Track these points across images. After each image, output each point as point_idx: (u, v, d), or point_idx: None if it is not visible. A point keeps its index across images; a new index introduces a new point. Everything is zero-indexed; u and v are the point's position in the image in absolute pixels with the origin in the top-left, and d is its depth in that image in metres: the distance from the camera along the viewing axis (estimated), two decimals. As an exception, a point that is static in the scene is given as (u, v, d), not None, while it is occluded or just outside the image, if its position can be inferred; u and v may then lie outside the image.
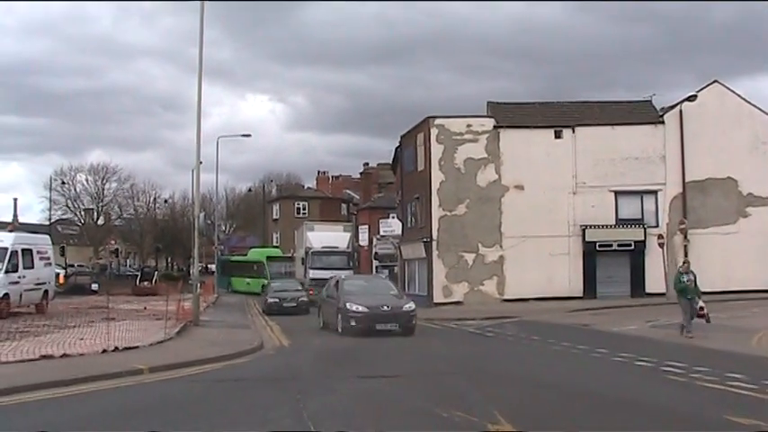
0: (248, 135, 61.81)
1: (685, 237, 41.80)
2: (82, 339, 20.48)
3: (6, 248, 28.49)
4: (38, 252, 31.08)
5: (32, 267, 30.05)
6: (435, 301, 40.96)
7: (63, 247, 56.34)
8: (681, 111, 42.63)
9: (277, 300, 38.54)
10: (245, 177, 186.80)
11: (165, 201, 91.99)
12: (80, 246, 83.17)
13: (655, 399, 12.34)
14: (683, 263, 24.20)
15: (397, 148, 52.64)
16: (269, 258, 60.02)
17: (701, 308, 22.08)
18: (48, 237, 36.08)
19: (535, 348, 21.30)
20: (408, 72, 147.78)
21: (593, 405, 12.00)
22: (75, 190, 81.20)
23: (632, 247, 42.06)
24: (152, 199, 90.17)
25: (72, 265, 69.46)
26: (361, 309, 24.39)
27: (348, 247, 49.25)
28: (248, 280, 61.24)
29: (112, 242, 77.32)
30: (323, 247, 47.48)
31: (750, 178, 42.57)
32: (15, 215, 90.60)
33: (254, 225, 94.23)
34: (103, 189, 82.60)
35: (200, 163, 30.38)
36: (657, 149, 42.64)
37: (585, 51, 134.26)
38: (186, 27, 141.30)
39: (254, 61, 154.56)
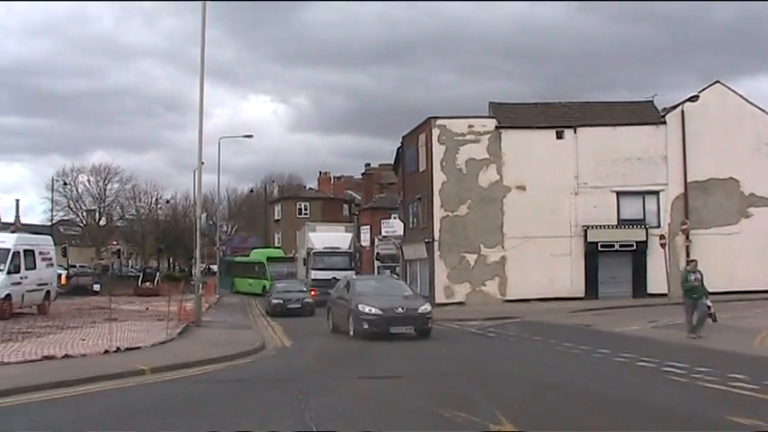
0: (250, 136, 61.95)
1: (687, 237, 41.76)
2: (84, 340, 20.51)
3: (8, 249, 28.49)
4: (40, 253, 31.09)
5: (34, 268, 30.05)
6: (437, 301, 40.90)
7: (65, 247, 56.34)
8: (682, 111, 42.61)
9: (281, 301, 37.35)
10: (246, 178, 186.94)
11: (167, 201, 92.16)
12: (82, 246, 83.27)
13: (656, 399, 12.34)
14: (691, 261, 23.85)
15: (398, 149, 52.64)
16: (269, 259, 59.98)
17: (709, 307, 21.78)
18: (50, 237, 36.10)
19: (537, 349, 21.29)
20: (410, 72, 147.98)
21: (594, 405, 12.00)
22: (77, 191, 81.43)
23: (634, 248, 42.03)
24: (154, 200, 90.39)
25: (74, 266, 69.43)
26: (374, 311, 23.22)
27: (350, 248, 49.28)
28: (250, 281, 61.28)
29: (114, 243, 77.38)
30: (325, 248, 47.50)
31: (752, 178, 42.53)
32: (17, 216, 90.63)
33: (255, 226, 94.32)
34: (105, 190, 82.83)
35: (202, 164, 30.43)
36: (659, 150, 42.61)
37: (587, 52, 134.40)
38: (188, 27, 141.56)
39: (256, 62, 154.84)
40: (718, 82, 43.93)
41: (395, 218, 57.28)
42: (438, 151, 43.07)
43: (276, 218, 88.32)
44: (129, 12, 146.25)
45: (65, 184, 79.32)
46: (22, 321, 25.70)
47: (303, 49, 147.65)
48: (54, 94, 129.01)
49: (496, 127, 43.11)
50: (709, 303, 21.81)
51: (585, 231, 42.09)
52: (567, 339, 22.23)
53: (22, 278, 28.78)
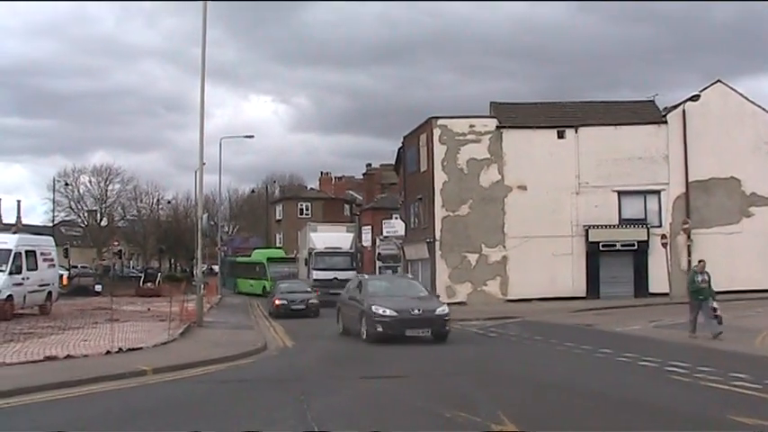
0: (251, 136, 62.01)
1: (689, 237, 41.79)
2: (86, 341, 20.51)
3: (10, 250, 28.50)
4: (41, 254, 31.10)
5: (36, 269, 30.07)
6: (439, 301, 40.98)
7: (66, 248, 56.32)
8: (684, 110, 42.64)
9: (285, 302, 35.72)
10: (248, 178, 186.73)
11: (169, 202, 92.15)
12: (83, 247, 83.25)
13: (658, 399, 12.33)
14: (699, 262, 23.39)
15: (399, 149, 52.69)
16: (269, 260, 59.90)
17: (715, 309, 21.58)
18: (51, 238, 36.14)
19: (538, 349, 21.30)
20: (411, 72, 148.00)
21: (596, 405, 12.00)
22: (78, 191, 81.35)
23: (635, 247, 42.05)
24: (155, 200, 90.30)
25: (75, 267, 69.52)
26: (388, 312, 21.93)
27: (351, 248, 49.24)
28: (251, 281, 61.26)
29: (116, 243, 77.29)
30: (326, 248, 47.46)
31: (753, 178, 42.56)
32: (19, 217, 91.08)
33: (257, 226, 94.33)
34: (107, 190, 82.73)
35: (204, 164, 30.44)
36: (660, 149, 42.63)
37: (588, 51, 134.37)
38: (189, 28, 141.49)
39: (257, 62, 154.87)
40: (719, 81, 43.95)
41: (396, 218, 57.27)
42: (439, 151, 43.11)
43: (277, 218, 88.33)
44: (130, 12, 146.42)
45: (66, 184, 79.31)
46: (24, 322, 25.69)
47: (304, 49, 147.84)
48: (55, 94, 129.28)
49: (497, 127, 43.14)
50: (716, 305, 21.60)
51: (587, 231, 42.11)
52: (568, 339, 22.23)
53: (23, 279, 28.79)
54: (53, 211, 76.82)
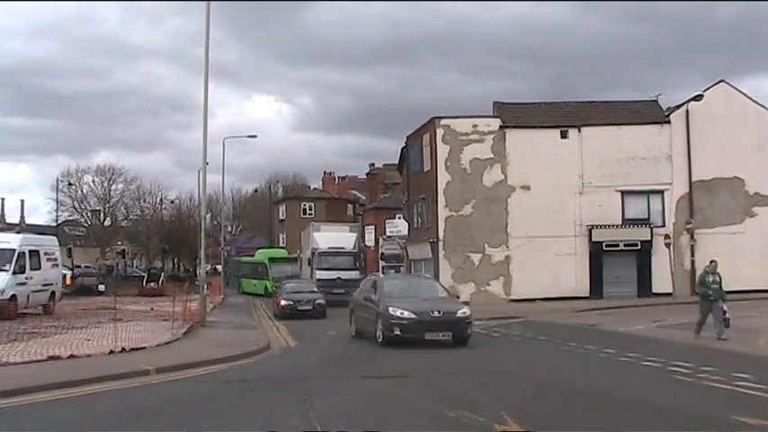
0: (254, 136, 61.90)
1: (692, 236, 41.77)
2: (89, 340, 20.53)
3: (14, 250, 28.57)
4: (45, 253, 31.15)
5: (39, 269, 30.12)
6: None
7: (70, 248, 56.49)
8: (687, 110, 42.60)
9: (291, 302, 34.64)
10: (251, 178, 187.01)
11: (172, 202, 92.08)
12: (87, 247, 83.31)
13: (661, 399, 12.33)
14: (711, 262, 22.73)
15: (403, 149, 52.69)
16: (271, 260, 59.89)
17: (724, 311, 21.31)
18: (55, 238, 36.16)
19: (542, 348, 21.29)
20: (414, 72, 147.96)
21: (599, 405, 12.00)
22: (81, 191, 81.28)
23: (639, 247, 42.01)
24: (158, 200, 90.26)
25: (79, 267, 69.60)
26: (407, 314, 20.69)
27: (354, 248, 49.21)
28: (254, 281, 61.34)
29: (119, 243, 77.36)
30: (329, 248, 47.41)
31: (757, 177, 42.52)
32: (22, 216, 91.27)
33: (260, 226, 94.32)
34: (110, 190, 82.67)
35: (207, 164, 30.47)
36: (664, 149, 42.60)
37: (591, 51, 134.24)
38: (192, 28, 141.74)
39: (260, 62, 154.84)
40: (722, 81, 43.92)
41: (399, 218, 57.28)
42: (442, 151, 43.12)
43: (280, 218, 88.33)
44: (133, 12, 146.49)
45: (69, 184, 79.30)
46: (28, 322, 25.74)
47: (307, 49, 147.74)
48: (59, 94, 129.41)
49: (501, 127, 43.13)
50: (725, 308, 21.37)
51: (590, 231, 42.10)
52: (571, 339, 22.23)
53: (27, 278, 28.85)
54: (56, 210, 76.97)
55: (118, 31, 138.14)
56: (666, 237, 40.29)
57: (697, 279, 22.97)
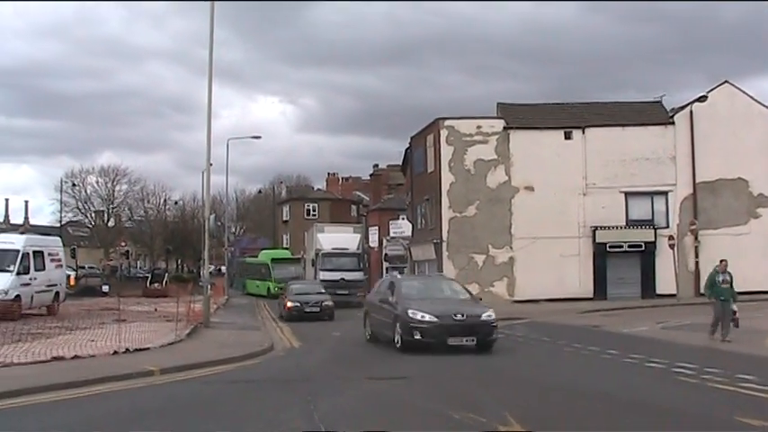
0: (258, 137, 61.77)
1: (696, 238, 41.74)
2: (93, 341, 20.55)
3: (18, 250, 28.60)
4: (49, 254, 31.18)
5: (43, 269, 30.14)
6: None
7: (74, 248, 56.41)
8: (691, 111, 42.59)
9: (298, 304, 33.68)
10: (255, 179, 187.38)
11: (176, 202, 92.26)
12: (91, 247, 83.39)
13: (665, 400, 12.32)
14: (720, 262, 22.28)
15: (406, 150, 52.69)
16: (273, 260, 59.89)
17: (734, 311, 21.10)
18: (59, 239, 36.22)
19: (546, 350, 21.27)
20: (417, 73, 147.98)
21: (603, 406, 12.00)
22: (85, 192, 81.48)
23: (643, 249, 41.99)
24: (162, 201, 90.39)
25: (83, 267, 69.58)
26: (428, 317, 19.32)
27: (358, 249, 49.21)
28: (258, 282, 61.39)
29: (123, 244, 77.55)
30: (333, 249, 47.41)
31: (761, 178, 42.47)
32: (26, 217, 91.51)
33: (264, 227, 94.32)
34: (114, 191, 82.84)
35: (211, 165, 30.42)
36: (668, 150, 42.58)
37: (595, 52, 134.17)
38: (196, 29, 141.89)
39: (264, 62, 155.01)
40: (726, 82, 43.88)
41: (403, 219, 57.20)
42: (446, 152, 43.14)
43: (284, 219, 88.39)
44: (136, 13, 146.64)
45: (73, 185, 79.47)
46: (32, 322, 25.73)
47: (311, 49, 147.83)
48: (62, 95, 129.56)
49: (504, 128, 43.15)
50: (735, 308, 21.16)
51: (594, 232, 42.09)
52: (575, 340, 22.20)
53: (31, 279, 28.87)
54: (60, 211, 76.99)
55: (121, 32, 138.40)
56: (670, 238, 40.25)
57: (706, 280, 22.49)
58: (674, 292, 39.05)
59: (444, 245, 42.73)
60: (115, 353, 17.92)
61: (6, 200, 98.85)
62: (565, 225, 41.92)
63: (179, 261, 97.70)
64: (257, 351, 20.02)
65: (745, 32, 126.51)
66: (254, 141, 68.27)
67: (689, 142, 42.35)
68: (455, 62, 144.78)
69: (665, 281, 40.46)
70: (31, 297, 28.96)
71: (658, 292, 41.12)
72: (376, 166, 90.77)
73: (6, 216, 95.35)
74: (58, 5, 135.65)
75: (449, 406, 11.47)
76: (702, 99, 41.78)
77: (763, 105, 43.36)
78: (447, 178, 43.03)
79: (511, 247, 42.45)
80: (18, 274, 27.98)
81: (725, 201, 42.45)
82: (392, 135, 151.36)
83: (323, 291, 36.47)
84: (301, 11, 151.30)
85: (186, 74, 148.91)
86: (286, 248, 75.08)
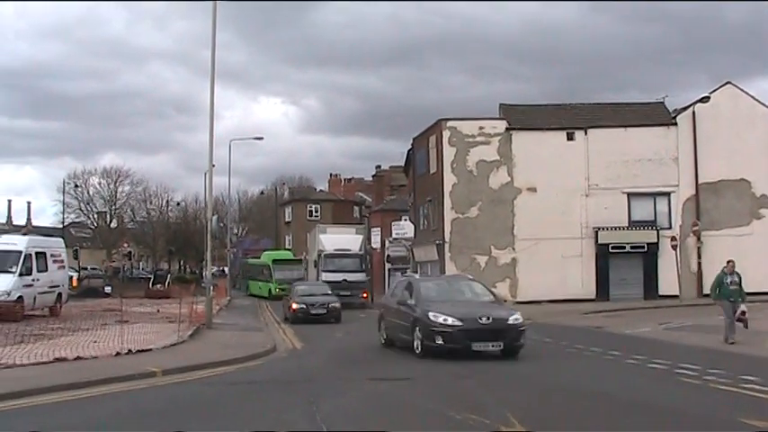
0: (261, 138, 61.90)
1: (698, 239, 41.71)
2: (95, 342, 20.56)
3: (20, 251, 28.64)
4: (51, 255, 31.20)
5: (46, 270, 30.16)
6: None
7: (76, 250, 56.43)
8: (693, 112, 42.57)
9: (304, 306, 32.62)
10: (257, 180, 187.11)
11: (178, 204, 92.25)
12: (93, 249, 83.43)
13: (668, 401, 12.30)
14: (728, 262, 21.86)
15: (409, 151, 52.72)
16: (274, 262, 59.89)
17: (743, 312, 20.86)
18: (61, 240, 36.25)
19: (548, 351, 21.23)
20: (420, 74, 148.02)
21: (605, 407, 11.99)
22: (88, 193, 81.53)
23: (645, 249, 42.00)
24: (165, 202, 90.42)
25: (85, 268, 69.72)
26: (450, 321, 17.98)
27: (361, 250, 49.16)
28: (260, 284, 61.45)
29: (125, 245, 77.45)
30: (335, 250, 47.37)
31: (763, 179, 42.44)
32: (29, 218, 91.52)
33: (266, 228, 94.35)
34: (116, 192, 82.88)
35: (213, 166, 30.46)
36: (670, 151, 42.57)
37: (598, 52, 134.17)
38: (198, 30, 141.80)
39: (267, 64, 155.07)
40: (729, 83, 43.89)
41: (405, 220, 57.19)
42: (448, 153, 43.16)
43: (287, 220, 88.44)
44: (139, 14, 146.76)
45: (76, 186, 79.51)
46: (34, 323, 25.76)
47: (313, 50, 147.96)
48: (65, 96, 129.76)
49: (507, 129, 43.17)
50: (744, 308, 20.94)
51: (596, 233, 42.09)
52: (578, 341, 22.18)
53: (33, 280, 28.90)
54: (63, 212, 77.11)
55: (124, 33, 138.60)
56: (673, 239, 40.20)
57: (714, 281, 21.95)
58: (677, 293, 39.03)
59: (447, 246, 42.74)
60: (118, 354, 17.92)
61: (9, 201, 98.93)
62: (567, 226, 41.93)
63: (181, 262, 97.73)
64: (260, 352, 20.01)
65: (749, 33, 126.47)
66: (257, 142, 68.54)
67: (691, 143, 42.34)
68: (457, 63, 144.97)
69: (668, 282, 40.42)
70: (34, 298, 28.99)
71: (661, 293, 41.12)
72: (378, 167, 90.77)
73: (9, 217, 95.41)
74: (61, 6, 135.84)
75: (451, 407, 11.46)
76: (705, 100, 41.75)
77: (766, 106, 43.35)
78: (449, 179, 43.04)
79: (513, 248, 42.47)
80: (21, 275, 28.01)
81: (727, 202, 42.42)
82: (394, 136, 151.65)
83: (329, 292, 35.46)
84: (304, 12, 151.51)
85: (189, 75, 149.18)
86: (288, 249, 75.09)
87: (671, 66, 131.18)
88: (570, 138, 42.96)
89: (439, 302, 19.23)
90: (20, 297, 27.59)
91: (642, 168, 42.41)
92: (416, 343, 18.81)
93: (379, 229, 64.33)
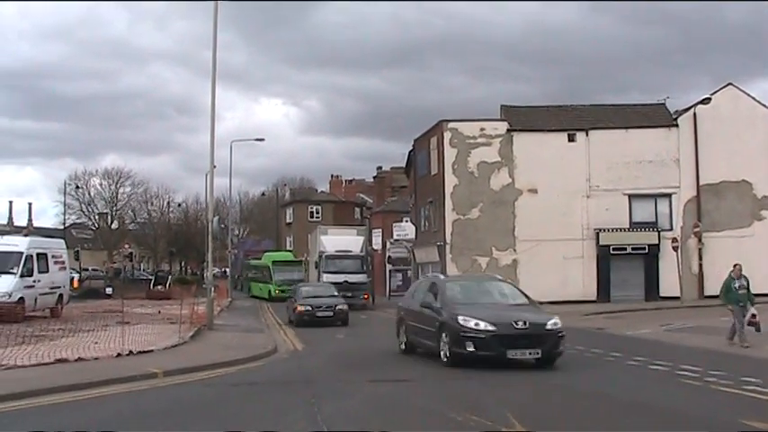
0: (262, 139, 62.18)
1: (700, 240, 41.69)
2: (96, 343, 20.57)
3: (21, 253, 28.64)
4: (52, 256, 31.20)
5: (47, 271, 30.16)
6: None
7: (77, 251, 56.46)
8: (695, 113, 42.55)
9: (309, 308, 31.46)
10: (258, 181, 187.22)
11: (179, 205, 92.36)
12: (94, 250, 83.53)
13: (669, 402, 12.30)
14: (734, 266, 21.69)
15: (410, 152, 52.73)
16: (274, 263, 59.89)
17: (754, 315, 20.72)
18: (62, 241, 36.25)
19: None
20: (421, 75, 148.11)
21: (606, 408, 12.00)
22: (89, 194, 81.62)
23: (646, 251, 42.00)
24: (166, 203, 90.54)
25: (86, 270, 69.70)
26: (482, 326, 16.39)
27: (362, 251, 49.15)
28: (260, 285, 61.47)
29: (126, 246, 77.50)
30: (336, 251, 47.35)
31: (764, 181, 42.43)
32: (30, 219, 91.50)
33: (267, 229, 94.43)
34: (117, 193, 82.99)
35: (214, 167, 30.48)
36: (671, 152, 42.56)
37: (599, 54, 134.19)
38: (200, 30, 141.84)
39: (268, 65, 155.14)
40: (730, 84, 43.87)
41: (406, 221, 57.22)
42: (450, 154, 43.16)
43: (288, 221, 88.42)
44: (140, 15, 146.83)
45: (77, 187, 79.53)
46: (35, 324, 25.73)
47: (315, 51, 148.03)
48: (66, 97, 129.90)
49: (508, 130, 43.17)
50: (755, 311, 20.82)
51: (597, 234, 42.08)
52: (578, 343, 22.10)
53: (34, 281, 28.89)
54: (64, 213, 77.15)
55: (125, 34, 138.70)
56: (674, 240, 40.16)
57: (722, 285, 21.74)
58: (678, 294, 39.00)
59: (448, 247, 42.73)
60: (119, 355, 17.92)
61: (10, 202, 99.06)
62: (568, 227, 41.92)
63: (182, 263, 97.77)
64: (261, 353, 20.01)
65: (750, 34, 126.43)
66: (258, 143, 68.66)
67: (692, 144, 42.34)
68: (459, 64, 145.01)
69: (669, 283, 40.39)
70: (35, 299, 28.98)
71: (662, 294, 41.10)
72: (379, 168, 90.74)
73: (10, 218, 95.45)
74: (62, 7, 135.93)
75: (451, 408, 11.46)
76: (706, 101, 41.74)
77: (767, 107, 43.29)
78: (450, 180, 43.04)
79: (514, 250, 42.47)
80: (22, 276, 28.01)
81: (728, 203, 42.41)
82: (396, 137, 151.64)
83: (335, 293, 34.23)
84: (305, 12, 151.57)
85: (190, 76, 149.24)
86: (289, 251, 75.08)
87: (672, 67, 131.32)
88: (571, 139, 42.96)
89: (468, 305, 17.59)
90: (21, 298, 27.58)
91: (643, 170, 42.40)
92: (444, 350, 17.11)
93: (380, 230, 64.39)
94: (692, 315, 30.83)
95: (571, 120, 44.20)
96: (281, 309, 38.75)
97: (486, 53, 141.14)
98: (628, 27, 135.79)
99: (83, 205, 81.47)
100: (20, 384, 13.30)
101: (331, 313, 31.54)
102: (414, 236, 52.76)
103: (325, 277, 45.24)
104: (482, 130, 43.38)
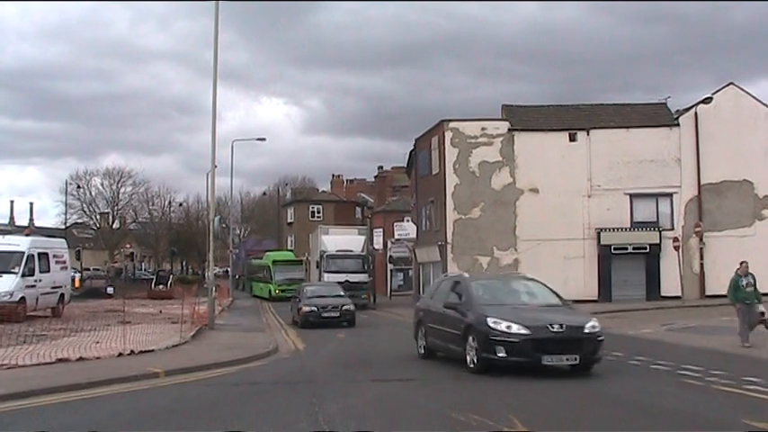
0: (263, 139, 61.97)
1: (701, 240, 41.65)
2: (98, 343, 20.58)
3: (23, 252, 28.68)
4: (54, 256, 31.22)
5: (48, 271, 30.19)
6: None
7: (79, 250, 56.61)
8: (696, 113, 42.52)
9: (314, 308, 30.56)
10: (260, 181, 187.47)
11: (180, 204, 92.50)
12: (96, 249, 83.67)
13: (670, 402, 12.27)
14: (741, 264, 21.43)
15: (411, 152, 52.69)
16: (275, 262, 59.91)
17: (762, 313, 20.58)
18: (63, 240, 36.25)
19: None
20: (423, 75, 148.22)
21: (608, 408, 11.99)
22: (90, 194, 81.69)
23: (647, 250, 41.97)
24: (167, 203, 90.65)
25: (88, 269, 69.87)
26: (515, 329, 15.02)
27: (363, 251, 49.19)
28: (261, 285, 61.50)
29: (128, 246, 77.69)
30: (338, 251, 47.38)
31: (766, 181, 42.38)
32: (31, 219, 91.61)
33: (269, 229, 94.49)
34: (119, 193, 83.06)
35: (216, 167, 30.48)
36: (673, 152, 42.53)
37: (601, 53, 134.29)
38: (201, 30, 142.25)
39: (270, 64, 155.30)
40: (731, 84, 43.83)
41: (408, 221, 57.25)
42: (451, 154, 43.13)
43: (289, 221, 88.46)
44: (142, 15, 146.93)
45: (78, 187, 79.69)
46: (37, 324, 25.74)
47: (316, 51, 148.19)
48: (68, 97, 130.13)
49: (509, 129, 43.14)
50: (763, 309, 20.68)
51: (599, 234, 42.05)
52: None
53: (36, 281, 28.93)
54: (65, 213, 77.25)
55: (126, 34, 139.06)
56: (675, 240, 40.12)
57: (729, 284, 21.44)
58: (679, 294, 38.94)
59: (449, 247, 42.70)
60: (120, 355, 17.93)
61: (11, 202, 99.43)
62: (569, 227, 41.89)
63: (184, 263, 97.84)
64: (262, 353, 20.01)
65: (752, 33, 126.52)
66: (259, 143, 68.56)
67: (694, 144, 42.30)
68: (461, 64, 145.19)
69: (670, 283, 40.36)
70: (36, 299, 29.01)
71: (663, 294, 41.07)
72: (381, 168, 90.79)
73: (12, 218, 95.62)
74: (64, 7, 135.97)
75: (454, 408, 11.44)
76: (707, 101, 41.74)
77: (769, 107, 43.32)
78: (452, 180, 43.01)
79: (515, 249, 42.43)
80: (23, 275, 28.06)
81: (730, 203, 42.38)
82: (397, 137, 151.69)
83: (341, 293, 33.29)
84: (306, 12, 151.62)
85: (191, 76, 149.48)
86: (290, 250, 75.12)
87: (673, 67, 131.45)
88: (572, 139, 42.92)
89: (497, 306, 16.21)
90: (22, 298, 27.62)
91: (644, 169, 42.38)
92: (471, 355, 15.73)
93: (381, 229, 64.42)
94: (694, 315, 30.80)
95: (572, 119, 44.16)
96: (282, 308, 38.74)
97: (487, 53, 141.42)
98: (629, 27, 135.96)
99: (84, 205, 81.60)
100: (21, 384, 13.30)
101: (337, 314, 30.78)
102: (415, 235, 52.76)
103: (327, 277, 45.28)
104: (483, 129, 43.35)
